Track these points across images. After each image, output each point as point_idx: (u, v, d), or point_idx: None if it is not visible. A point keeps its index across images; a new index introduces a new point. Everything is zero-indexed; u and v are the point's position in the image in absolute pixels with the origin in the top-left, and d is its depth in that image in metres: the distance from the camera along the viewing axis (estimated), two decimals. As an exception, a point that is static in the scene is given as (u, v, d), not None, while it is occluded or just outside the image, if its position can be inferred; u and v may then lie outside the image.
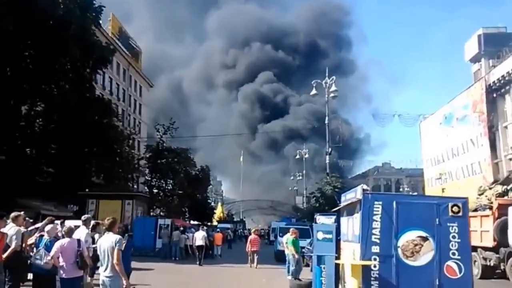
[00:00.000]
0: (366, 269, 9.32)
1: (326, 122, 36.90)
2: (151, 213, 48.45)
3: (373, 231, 9.65)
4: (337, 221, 13.35)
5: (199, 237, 24.69)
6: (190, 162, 58.88)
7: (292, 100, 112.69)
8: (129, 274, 8.83)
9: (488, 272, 19.38)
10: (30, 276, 10.82)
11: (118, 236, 7.15)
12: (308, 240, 27.37)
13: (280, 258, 26.99)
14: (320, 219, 14.16)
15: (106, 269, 7.05)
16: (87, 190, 30.77)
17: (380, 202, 9.76)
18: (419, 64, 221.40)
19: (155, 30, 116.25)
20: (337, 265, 12.65)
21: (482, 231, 19.36)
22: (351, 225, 10.98)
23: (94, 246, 11.07)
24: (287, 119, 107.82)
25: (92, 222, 11.62)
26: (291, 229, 20.15)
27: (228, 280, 17.15)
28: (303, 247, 26.48)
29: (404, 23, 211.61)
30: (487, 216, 19.37)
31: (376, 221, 9.70)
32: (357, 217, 10.21)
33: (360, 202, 9.98)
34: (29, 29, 26.88)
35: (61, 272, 8.32)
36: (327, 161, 37.81)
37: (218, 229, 35.54)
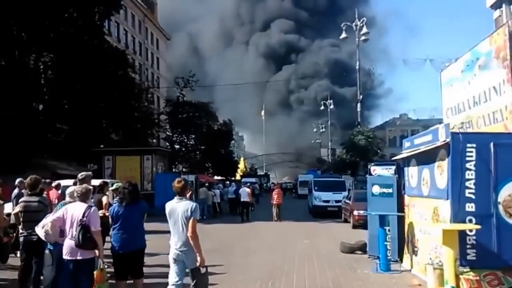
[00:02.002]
0: (459, 234, 6.99)
1: (357, 67, 34.03)
2: (173, 170, 46.90)
3: (467, 183, 7.25)
4: (398, 172, 11.01)
5: (243, 194, 24.28)
6: (213, 116, 56.68)
7: (309, 49, 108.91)
8: (142, 250, 6.71)
9: None
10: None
11: (194, 204, 5.99)
12: (344, 194, 25.34)
13: (317, 213, 25.05)
14: (376, 170, 11.75)
15: (178, 241, 5.93)
16: (102, 146, 28.64)
17: (474, 145, 7.33)
18: (438, 14, 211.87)
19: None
20: (399, 225, 10.45)
21: None
22: (426, 176, 8.58)
23: (103, 211, 8.83)
24: (304, 69, 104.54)
25: (99, 181, 9.19)
26: None
27: (266, 243, 15.01)
28: (339, 201, 24.55)
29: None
30: None
31: (470, 170, 7.29)
32: (442, 166, 7.79)
33: (446, 146, 7.55)
34: None
35: (64, 251, 6.09)
36: (359, 109, 35.13)
37: (247, 184, 33.31)
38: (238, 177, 71.43)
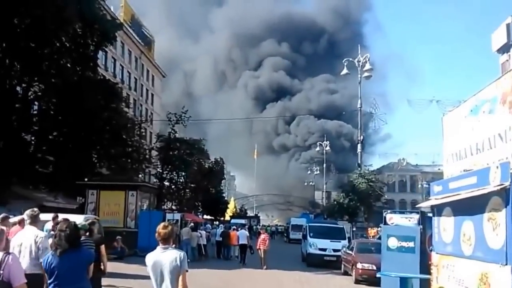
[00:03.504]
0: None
1: (359, 106, 32.53)
2: (163, 207, 45.08)
3: (532, 244, 5.48)
4: (422, 223, 9.21)
5: (241, 237, 23.88)
6: (204, 154, 55.15)
7: (303, 90, 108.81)
8: None
9: None
10: None
11: (182, 253, 5.20)
12: (343, 242, 23.31)
13: (312, 262, 22.89)
14: (393, 218, 9.91)
15: None
16: (85, 179, 26.88)
17: (539, 194, 5.59)
18: (443, 56, 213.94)
19: (166, 27, 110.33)
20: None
21: None
22: (469, 231, 6.78)
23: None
24: (296, 110, 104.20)
25: (52, 215, 7.12)
26: None
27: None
28: (337, 250, 22.48)
29: (424, 14, 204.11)
30: None
31: (536, 226, 5.52)
32: (496, 218, 6.01)
33: (502, 193, 5.81)
34: None
35: None
36: (359, 151, 33.44)
37: (234, 226, 30.85)
38: (227, 217, 69.28)
